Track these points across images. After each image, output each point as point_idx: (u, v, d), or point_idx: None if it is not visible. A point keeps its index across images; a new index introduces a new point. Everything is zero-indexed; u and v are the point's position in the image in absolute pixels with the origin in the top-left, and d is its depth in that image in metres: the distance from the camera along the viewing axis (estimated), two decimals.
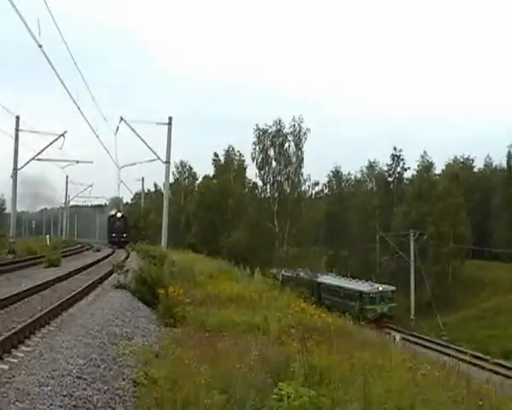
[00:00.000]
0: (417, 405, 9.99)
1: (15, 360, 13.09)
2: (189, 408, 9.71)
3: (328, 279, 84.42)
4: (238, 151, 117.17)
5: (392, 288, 74.54)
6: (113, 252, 72.62)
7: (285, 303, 28.00)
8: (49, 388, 10.37)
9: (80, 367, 12.10)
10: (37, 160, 60.88)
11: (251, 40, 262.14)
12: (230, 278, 39.00)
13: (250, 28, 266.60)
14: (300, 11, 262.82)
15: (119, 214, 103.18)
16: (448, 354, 24.41)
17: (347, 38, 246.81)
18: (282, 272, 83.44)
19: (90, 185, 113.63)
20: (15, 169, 55.71)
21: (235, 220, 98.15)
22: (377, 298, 71.59)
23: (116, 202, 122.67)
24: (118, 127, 50.36)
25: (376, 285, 75.07)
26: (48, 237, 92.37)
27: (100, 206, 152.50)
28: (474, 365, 24.02)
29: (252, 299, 27.67)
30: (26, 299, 23.50)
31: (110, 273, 34.96)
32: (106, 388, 11.29)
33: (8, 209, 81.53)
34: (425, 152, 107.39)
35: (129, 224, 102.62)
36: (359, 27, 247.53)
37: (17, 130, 55.23)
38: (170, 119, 52.45)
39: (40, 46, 29.57)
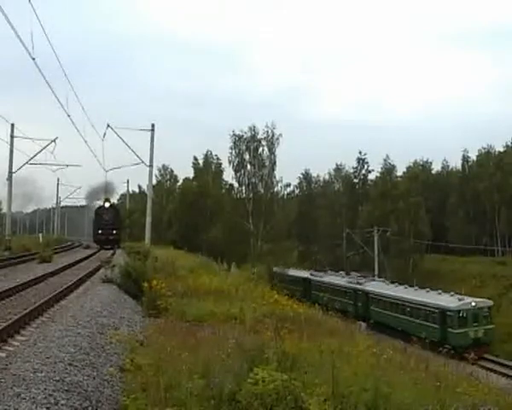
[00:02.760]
0: (381, 386, 10.07)
1: (12, 349, 13.09)
2: (172, 392, 9.72)
3: (383, 288, 59.49)
4: (216, 155, 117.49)
5: (489, 303, 51.25)
6: (100, 249, 67.17)
7: (259, 295, 28.07)
8: (43, 374, 10.35)
9: (71, 355, 12.07)
10: (31, 164, 60.48)
11: (223, 45, 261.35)
12: (209, 272, 38.94)
13: (222, 32, 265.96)
14: (273, 19, 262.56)
15: (107, 204, 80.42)
16: (409, 341, 24.50)
17: (317, 42, 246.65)
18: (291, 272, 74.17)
19: (79, 187, 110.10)
20: (10, 172, 55.44)
21: (213, 219, 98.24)
22: (469, 317, 48.02)
23: (105, 188, 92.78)
24: (105, 133, 50.08)
25: (467, 299, 50.14)
26: (41, 235, 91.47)
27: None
28: (433, 350, 24.05)
29: (229, 291, 27.64)
30: (21, 292, 23.44)
31: (98, 268, 34.90)
32: (95, 373, 11.28)
33: (4, 210, 79.56)
34: (387, 156, 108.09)
35: (121, 217, 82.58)
36: (329, 33, 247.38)
37: (12, 136, 54.97)
38: (153, 125, 52.66)
39: (33, 59, 29.44)
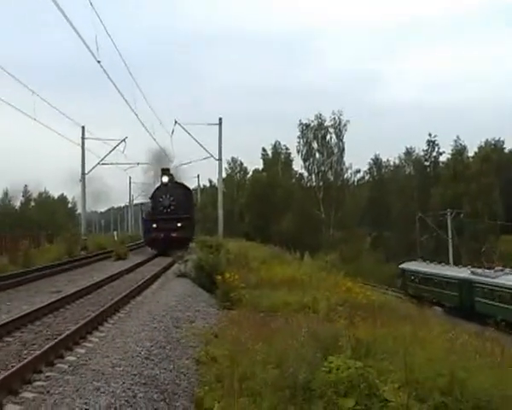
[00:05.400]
0: (457, 371, 9.93)
1: (91, 345, 13.38)
2: (246, 382, 9.80)
3: None
4: (284, 145, 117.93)
5: None
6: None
7: (332, 283, 27.97)
8: (121, 368, 10.59)
9: (148, 349, 12.31)
10: (102, 164, 61.25)
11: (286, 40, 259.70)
12: (282, 262, 39.00)
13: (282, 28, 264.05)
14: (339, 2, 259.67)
15: (165, 179, 49.79)
16: (485, 324, 24.09)
17: (382, 24, 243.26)
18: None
19: (151, 183, 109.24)
20: (83, 174, 56.37)
21: (284, 209, 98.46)
22: None
23: (159, 158, 60.41)
24: (173, 130, 49.99)
25: None
26: (115, 233, 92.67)
27: None
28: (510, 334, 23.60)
29: (302, 281, 27.60)
30: (98, 290, 23.91)
31: (172, 264, 35.29)
32: (171, 366, 11.47)
33: (79, 210, 79.35)
34: (458, 136, 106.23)
35: (193, 200, 59.27)
36: (394, 14, 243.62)
37: (83, 138, 55.89)
38: (220, 119, 52.72)
39: (99, 62, 29.93)
